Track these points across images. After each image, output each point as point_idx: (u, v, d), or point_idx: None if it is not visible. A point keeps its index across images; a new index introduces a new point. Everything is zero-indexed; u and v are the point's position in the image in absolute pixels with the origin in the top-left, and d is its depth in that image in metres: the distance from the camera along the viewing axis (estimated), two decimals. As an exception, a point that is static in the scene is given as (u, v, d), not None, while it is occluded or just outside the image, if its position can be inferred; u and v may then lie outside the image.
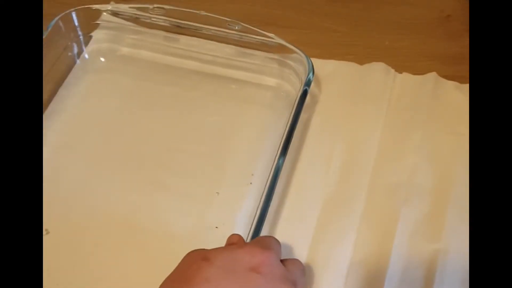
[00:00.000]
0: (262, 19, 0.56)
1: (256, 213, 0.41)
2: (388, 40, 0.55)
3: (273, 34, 0.48)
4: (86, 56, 0.52)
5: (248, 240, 0.39)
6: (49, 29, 0.48)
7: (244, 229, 0.42)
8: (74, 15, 0.50)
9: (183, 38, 0.52)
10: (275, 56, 0.50)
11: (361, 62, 0.52)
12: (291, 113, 0.45)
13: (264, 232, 0.42)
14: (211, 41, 0.51)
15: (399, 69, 0.52)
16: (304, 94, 0.45)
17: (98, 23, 0.52)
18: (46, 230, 0.42)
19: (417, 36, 0.55)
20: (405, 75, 0.51)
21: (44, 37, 0.47)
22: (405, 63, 0.52)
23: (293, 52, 0.48)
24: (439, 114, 0.48)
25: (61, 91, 0.50)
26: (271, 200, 0.40)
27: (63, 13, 0.49)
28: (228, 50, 0.51)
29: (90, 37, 0.52)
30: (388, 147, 0.47)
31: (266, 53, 0.50)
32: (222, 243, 0.42)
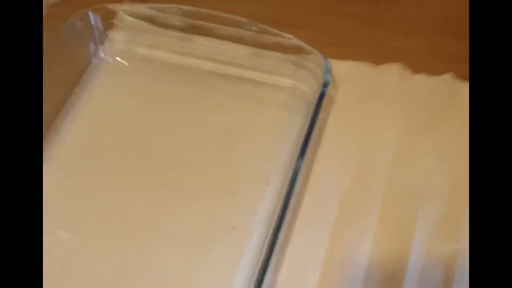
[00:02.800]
0: (275, 19, 0.55)
1: (274, 215, 0.41)
2: (403, 40, 0.54)
3: (290, 35, 0.48)
4: (102, 55, 0.52)
5: (266, 243, 0.39)
6: (66, 29, 0.48)
7: (261, 230, 0.42)
8: (90, 14, 0.49)
9: (199, 39, 0.52)
10: (291, 57, 0.50)
11: (376, 63, 0.52)
12: (309, 114, 0.45)
13: (281, 234, 0.42)
14: (227, 41, 0.51)
15: (415, 69, 0.51)
16: (322, 95, 0.45)
17: (114, 23, 0.52)
18: (62, 231, 0.42)
19: (432, 36, 0.55)
20: (421, 76, 0.51)
21: (60, 36, 0.47)
22: (420, 63, 0.52)
23: (310, 52, 0.48)
24: (455, 114, 0.48)
25: (77, 91, 0.50)
26: (290, 202, 0.40)
27: (79, 12, 0.49)
28: (244, 50, 0.51)
29: (106, 36, 0.52)
30: (405, 148, 0.46)
31: (282, 54, 0.50)
32: (240, 244, 0.42)
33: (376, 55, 0.53)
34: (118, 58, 0.52)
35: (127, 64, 0.52)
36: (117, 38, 0.53)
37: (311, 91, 0.49)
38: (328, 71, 0.46)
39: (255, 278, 0.37)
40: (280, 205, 0.41)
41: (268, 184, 0.45)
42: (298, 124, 0.48)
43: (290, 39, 0.48)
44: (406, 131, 0.47)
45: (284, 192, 0.42)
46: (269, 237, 0.39)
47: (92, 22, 0.50)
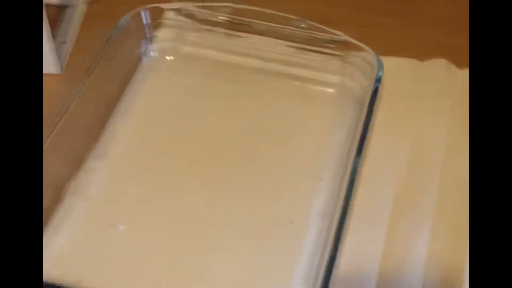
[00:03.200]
0: (316, 17, 0.56)
1: (332, 210, 0.41)
2: (447, 36, 0.55)
3: (340, 32, 0.49)
4: (152, 54, 0.53)
5: (329, 237, 0.39)
6: (119, 27, 0.49)
7: (318, 224, 0.43)
8: (143, 13, 0.50)
9: (246, 36, 0.52)
10: (338, 53, 0.51)
11: (420, 59, 0.53)
12: (357, 110, 0.46)
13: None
14: (273, 38, 0.52)
15: (460, 65, 0.52)
16: (375, 91, 0.46)
17: (163, 22, 0.52)
18: (122, 225, 0.43)
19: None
20: (466, 71, 0.52)
21: (114, 35, 0.48)
22: (465, 59, 0.52)
23: (359, 48, 0.49)
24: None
25: (129, 89, 0.50)
26: (350, 198, 0.41)
27: (133, 11, 0.50)
28: (290, 47, 0.52)
29: (156, 35, 0.53)
30: (456, 142, 0.47)
31: (329, 50, 0.51)
32: (297, 237, 0.43)
33: (419, 51, 0.53)
34: (166, 57, 0.53)
35: (175, 62, 0.53)
36: (165, 36, 0.53)
37: (359, 87, 0.50)
38: (380, 66, 0.47)
39: (321, 273, 0.37)
40: (338, 200, 0.41)
41: (321, 179, 0.45)
42: (347, 120, 0.48)
43: (339, 35, 0.49)
44: (457, 125, 0.48)
45: (338, 186, 0.43)
46: (332, 231, 0.39)
47: (145, 21, 0.51)
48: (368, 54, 0.48)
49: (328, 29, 0.49)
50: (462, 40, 0.54)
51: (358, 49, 0.49)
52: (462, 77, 0.51)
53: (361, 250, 0.42)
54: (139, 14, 0.50)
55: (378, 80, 0.46)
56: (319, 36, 0.50)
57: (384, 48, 0.53)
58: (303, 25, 0.50)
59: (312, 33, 0.50)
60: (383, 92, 0.51)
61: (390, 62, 0.52)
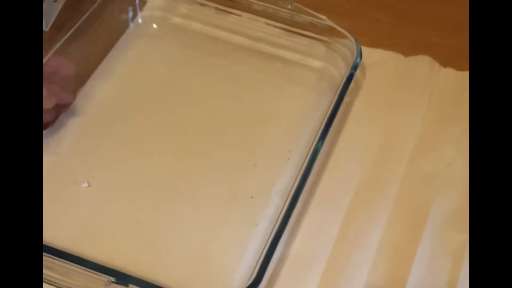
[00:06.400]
0: (313, 4, 0.56)
1: (292, 189, 0.42)
2: (436, 36, 0.55)
3: (324, 17, 0.49)
4: (140, 20, 0.53)
5: (281, 216, 0.40)
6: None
7: (278, 202, 0.43)
8: (134, -21, 0.51)
9: (234, 13, 0.53)
10: (324, 39, 0.51)
11: (406, 54, 0.53)
12: (335, 95, 0.46)
13: (297, 208, 0.43)
14: (262, 18, 0.52)
15: (444, 64, 0.52)
16: (350, 77, 0.46)
17: (154, -10, 0.53)
18: (88, 182, 0.44)
19: (464, 34, 0.55)
20: (449, 70, 0.52)
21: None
22: (450, 59, 0.53)
23: (342, 36, 0.49)
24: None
25: (113, 52, 0.51)
26: (307, 178, 0.41)
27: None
28: (277, 28, 0.52)
29: (145, 3, 0.53)
30: (427, 137, 0.47)
31: (315, 35, 0.51)
32: (256, 213, 0.43)
33: (408, 48, 0.53)
34: (154, 25, 0.54)
35: (163, 31, 0.54)
36: (156, 5, 0.54)
37: (339, 74, 0.50)
38: (359, 54, 0.47)
39: (267, 246, 0.38)
40: (298, 180, 0.42)
41: (289, 159, 0.46)
42: (324, 105, 0.48)
43: (324, 21, 0.49)
44: (430, 121, 0.48)
45: (303, 168, 0.43)
46: (284, 208, 0.40)
47: (135, -12, 0.52)
48: (350, 41, 0.48)
49: (313, 12, 0.49)
50: (452, 41, 0.55)
51: (342, 36, 0.49)
52: (443, 75, 0.51)
53: (317, 230, 0.43)
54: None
55: (355, 67, 0.47)
56: (304, 19, 0.50)
57: (375, 40, 0.54)
58: (289, 6, 0.50)
59: (297, 15, 0.50)
60: (364, 82, 0.51)
61: (376, 54, 0.53)
